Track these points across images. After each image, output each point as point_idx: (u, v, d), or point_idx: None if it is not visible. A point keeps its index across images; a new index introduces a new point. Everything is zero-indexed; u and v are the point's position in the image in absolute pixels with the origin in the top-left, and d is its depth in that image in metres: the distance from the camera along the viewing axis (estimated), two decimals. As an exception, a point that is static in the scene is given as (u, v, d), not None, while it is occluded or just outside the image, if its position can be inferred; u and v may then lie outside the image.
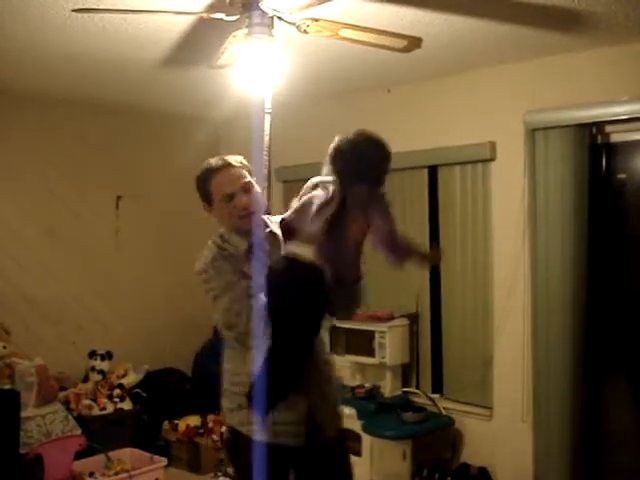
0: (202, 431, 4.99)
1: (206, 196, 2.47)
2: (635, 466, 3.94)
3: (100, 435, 4.43)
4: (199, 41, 3.58)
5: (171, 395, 5.32)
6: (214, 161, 2.47)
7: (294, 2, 2.70)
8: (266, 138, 3.18)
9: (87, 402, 4.69)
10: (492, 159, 4.30)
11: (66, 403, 4.60)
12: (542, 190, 3.98)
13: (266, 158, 3.16)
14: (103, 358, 4.99)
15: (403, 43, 2.99)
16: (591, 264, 3.92)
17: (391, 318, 4.59)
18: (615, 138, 3.96)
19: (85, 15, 3.15)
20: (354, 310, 2.49)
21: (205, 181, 2.46)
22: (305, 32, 2.87)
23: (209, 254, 2.42)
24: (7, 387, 4.17)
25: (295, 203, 2.33)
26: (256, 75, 2.89)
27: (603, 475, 4.05)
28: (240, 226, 2.42)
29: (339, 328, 4.72)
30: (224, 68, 3.36)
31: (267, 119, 3.19)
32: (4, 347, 4.42)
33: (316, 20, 2.81)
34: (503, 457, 4.26)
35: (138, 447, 4.57)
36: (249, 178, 2.47)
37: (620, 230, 4.07)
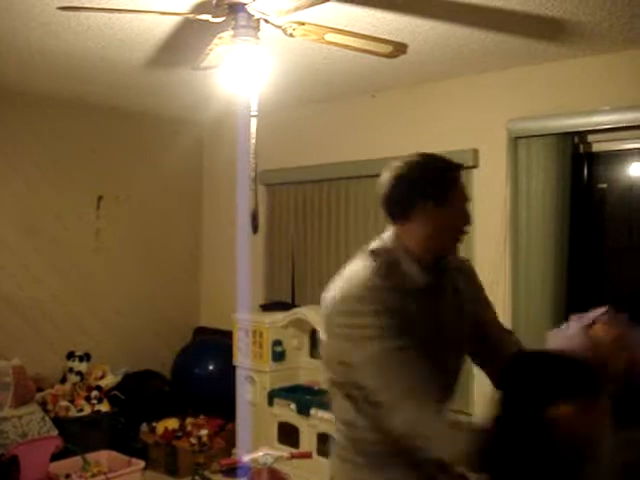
0: (180, 434, 4.96)
1: (437, 192, 1.82)
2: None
3: (77, 437, 4.39)
4: (185, 42, 3.56)
5: (149, 397, 5.29)
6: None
7: (281, 5, 2.70)
8: (252, 141, 3.18)
9: (64, 403, 4.65)
10: (475, 166, 4.32)
11: (43, 404, 4.55)
12: (524, 198, 4.00)
13: (253, 161, 3.15)
14: (81, 359, 4.95)
15: (388, 49, 3.00)
16: (571, 272, 3.95)
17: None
18: (597, 148, 3.99)
19: (70, 14, 3.13)
20: None
21: (444, 175, 1.86)
22: (291, 35, 2.88)
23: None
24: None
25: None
26: (241, 78, 2.89)
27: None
28: (444, 251, 1.95)
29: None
30: (208, 70, 3.36)
31: (253, 122, 3.18)
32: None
33: (302, 24, 2.81)
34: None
35: (115, 449, 4.53)
36: None
37: (600, 239, 4.10)
